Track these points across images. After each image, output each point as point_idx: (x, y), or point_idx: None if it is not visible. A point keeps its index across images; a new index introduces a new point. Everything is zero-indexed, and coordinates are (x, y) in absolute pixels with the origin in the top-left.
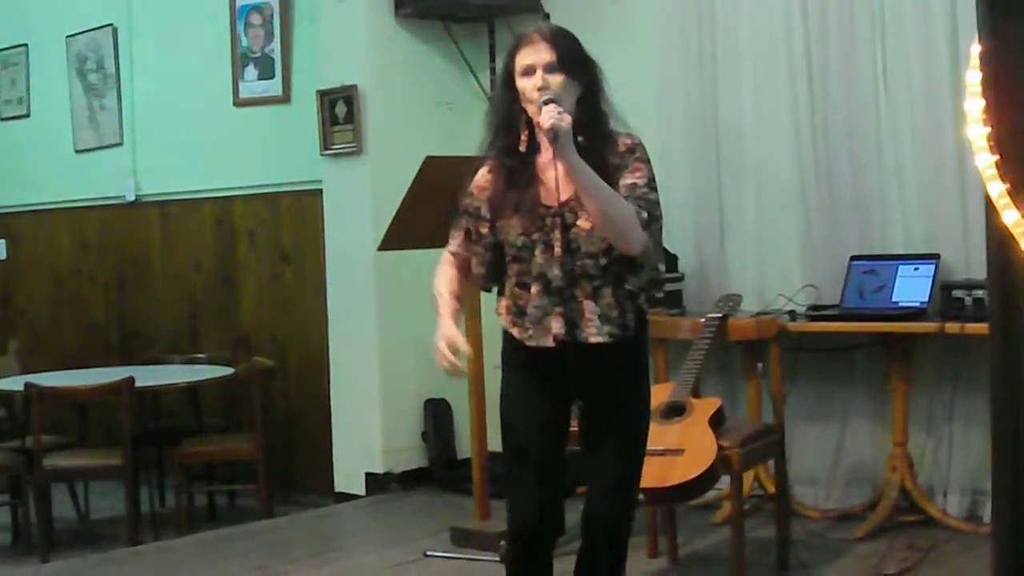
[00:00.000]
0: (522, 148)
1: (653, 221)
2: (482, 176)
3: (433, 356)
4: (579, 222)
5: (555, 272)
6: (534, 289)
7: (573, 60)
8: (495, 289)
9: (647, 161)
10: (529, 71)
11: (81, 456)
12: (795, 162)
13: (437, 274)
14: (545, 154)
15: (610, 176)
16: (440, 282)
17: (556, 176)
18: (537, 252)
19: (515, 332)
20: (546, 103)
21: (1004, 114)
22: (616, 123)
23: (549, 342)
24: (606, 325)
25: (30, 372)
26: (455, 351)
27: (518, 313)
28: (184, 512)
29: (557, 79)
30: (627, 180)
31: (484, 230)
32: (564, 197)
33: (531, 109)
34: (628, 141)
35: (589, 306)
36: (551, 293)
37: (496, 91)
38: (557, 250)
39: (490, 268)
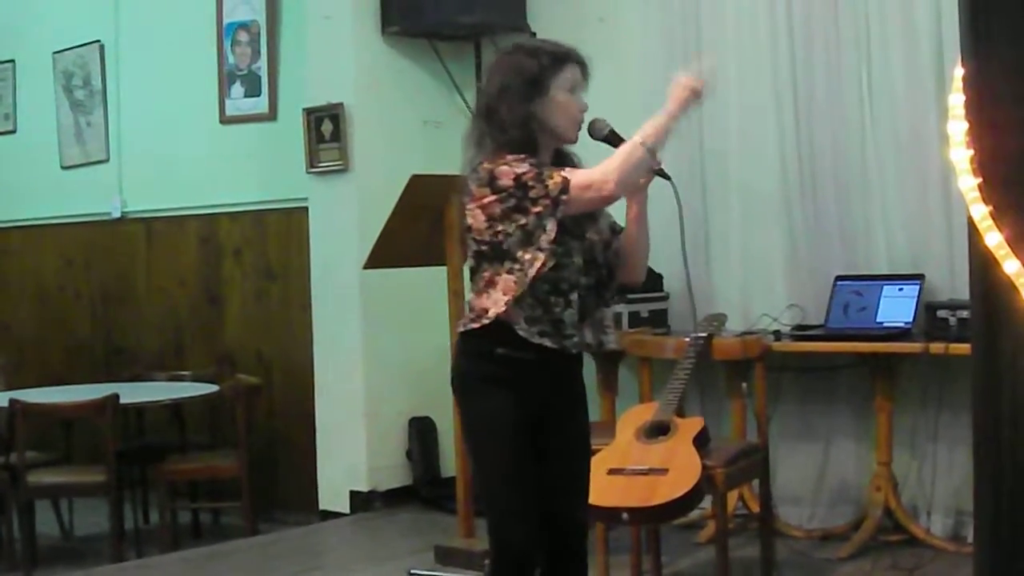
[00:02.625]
0: (546, 159)
1: None
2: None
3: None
4: (589, 234)
5: (584, 281)
6: (573, 296)
7: None
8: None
9: None
10: (577, 89)
11: (65, 473)
12: (780, 182)
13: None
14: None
15: None
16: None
17: None
18: (575, 258)
19: (547, 342)
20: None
21: (986, 137)
22: None
23: (580, 348)
24: (611, 332)
25: (14, 388)
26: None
27: (551, 321)
28: (168, 529)
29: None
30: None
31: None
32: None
33: (565, 124)
34: None
35: (608, 314)
36: (582, 301)
37: (516, 90)
38: (580, 260)
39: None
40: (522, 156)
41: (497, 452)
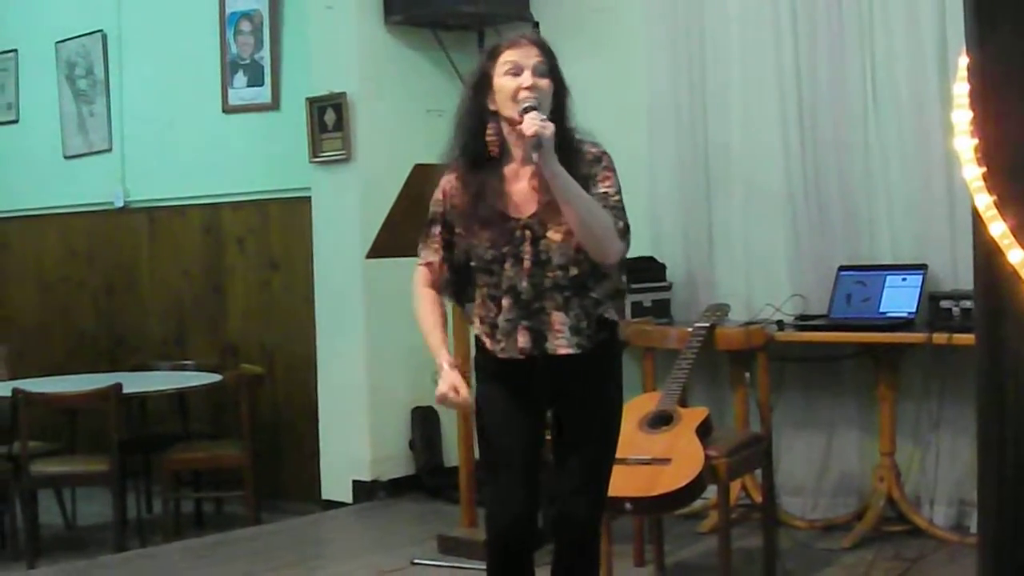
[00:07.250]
0: (494, 151)
1: (628, 231)
2: (448, 182)
3: (432, 385)
4: (548, 234)
5: (524, 285)
6: (505, 302)
7: (558, 72)
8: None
9: (614, 171)
10: (516, 70)
11: (68, 462)
12: (783, 172)
13: (418, 299)
14: (513, 164)
15: (582, 187)
16: (424, 314)
17: (529, 187)
18: (507, 265)
19: (488, 344)
20: (526, 110)
21: (991, 126)
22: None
23: (519, 355)
24: (575, 336)
25: (18, 378)
26: (461, 397)
27: (490, 325)
28: (171, 519)
29: (544, 83)
30: (599, 189)
31: (451, 237)
32: (533, 209)
33: (508, 108)
34: (594, 150)
35: (559, 318)
36: (520, 306)
37: (466, 94)
38: (527, 263)
39: (455, 287)
40: (453, 174)
41: (485, 436)
